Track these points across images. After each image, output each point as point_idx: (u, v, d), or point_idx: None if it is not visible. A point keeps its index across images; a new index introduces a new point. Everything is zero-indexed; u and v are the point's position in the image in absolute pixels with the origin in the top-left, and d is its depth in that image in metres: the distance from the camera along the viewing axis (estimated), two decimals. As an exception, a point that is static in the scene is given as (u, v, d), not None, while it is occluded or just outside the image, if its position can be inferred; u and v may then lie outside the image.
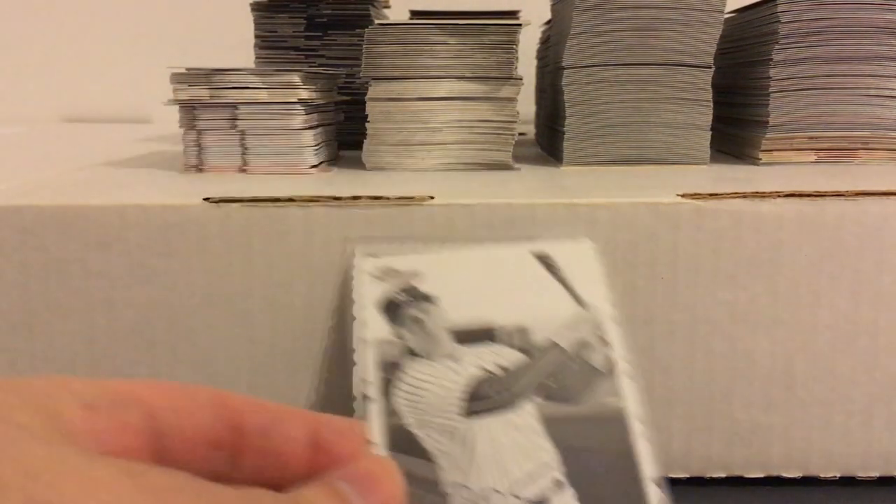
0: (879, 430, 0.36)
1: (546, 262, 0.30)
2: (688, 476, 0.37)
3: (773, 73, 0.46)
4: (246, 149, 0.45)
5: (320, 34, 0.55)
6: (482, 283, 0.29)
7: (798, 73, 0.46)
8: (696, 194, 0.35)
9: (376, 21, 0.47)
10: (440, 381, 0.27)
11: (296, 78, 0.44)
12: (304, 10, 0.55)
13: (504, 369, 0.27)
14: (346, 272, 0.35)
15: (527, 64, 0.56)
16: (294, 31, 0.55)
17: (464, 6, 0.46)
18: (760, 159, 0.47)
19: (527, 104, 0.61)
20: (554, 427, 0.26)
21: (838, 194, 0.35)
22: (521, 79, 0.46)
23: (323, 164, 0.47)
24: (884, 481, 0.37)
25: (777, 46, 0.46)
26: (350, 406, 0.28)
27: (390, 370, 0.27)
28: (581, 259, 0.30)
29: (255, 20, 0.55)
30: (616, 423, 0.26)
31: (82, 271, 0.35)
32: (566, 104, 0.46)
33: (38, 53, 1.06)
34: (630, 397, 0.26)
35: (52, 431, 0.18)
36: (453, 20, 0.45)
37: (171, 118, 0.47)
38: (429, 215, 0.35)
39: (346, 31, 0.55)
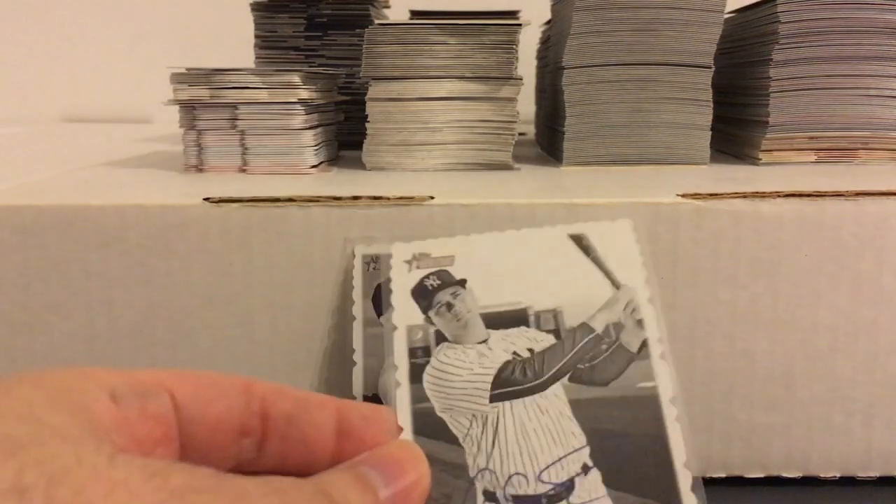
0: (879, 430, 0.36)
1: (582, 243, 0.29)
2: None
3: (773, 73, 0.46)
4: (246, 149, 0.45)
5: (320, 34, 0.55)
6: (516, 266, 0.29)
7: (798, 73, 0.46)
8: (696, 194, 0.35)
9: (376, 21, 0.47)
10: (469, 365, 0.27)
11: (296, 78, 0.44)
12: (304, 10, 0.55)
13: (534, 353, 0.27)
14: (347, 272, 0.35)
15: (527, 64, 0.56)
16: (294, 31, 0.55)
17: (464, 6, 0.46)
18: (760, 159, 0.47)
19: (527, 104, 0.61)
20: (584, 410, 0.26)
21: (838, 194, 0.35)
22: (521, 79, 0.46)
23: (323, 164, 0.47)
24: (884, 481, 0.37)
25: (777, 46, 0.46)
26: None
27: (419, 355, 0.27)
28: (618, 239, 0.29)
29: (255, 20, 0.55)
30: (648, 405, 0.25)
31: (82, 271, 0.35)
32: (566, 104, 0.46)
33: (38, 53, 1.06)
34: (663, 379, 0.26)
35: (79, 429, 0.18)
36: (453, 20, 0.45)
37: (171, 118, 0.47)
38: (429, 215, 0.35)
39: (346, 31, 0.55)
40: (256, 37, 0.56)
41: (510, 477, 0.24)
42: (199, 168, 0.45)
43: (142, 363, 0.36)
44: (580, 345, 0.27)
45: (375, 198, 0.35)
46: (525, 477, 0.24)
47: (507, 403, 0.26)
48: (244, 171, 0.45)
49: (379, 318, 0.32)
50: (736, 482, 0.37)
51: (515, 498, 0.24)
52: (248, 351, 0.36)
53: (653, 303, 0.28)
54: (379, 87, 0.46)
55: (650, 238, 0.35)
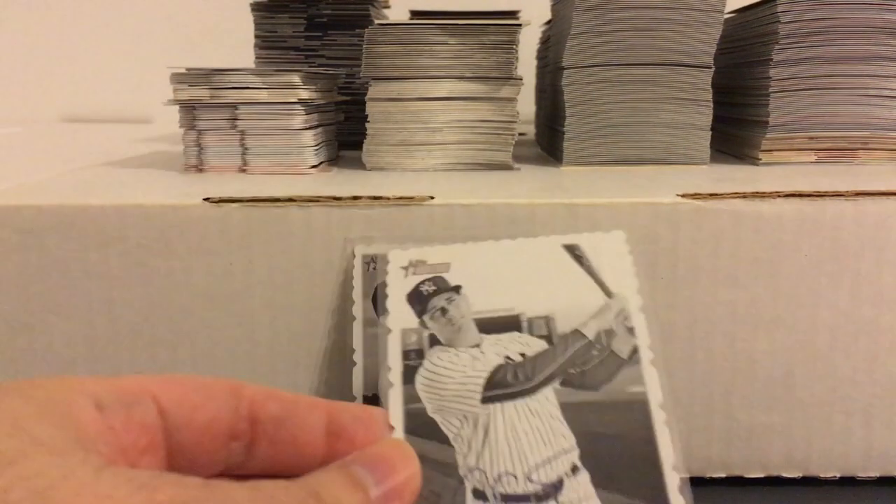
0: (879, 430, 0.36)
1: (575, 252, 0.30)
2: (688, 476, 0.36)
3: (773, 73, 0.46)
4: (246, 149, 0.45)
5: (320, 34, 0.55)
6: (510, 273, 0.30)
7: (798, 73, 0.46)
8: (696, 194, 0.35)
9: (376, 21, 0.47)
10: (461, 368, 0.27)
11: (296, 78, 0.44)
12: (304, 10, 0.55)
13: (526, 357, 0.27)
14: (347, 272, 0.35)
15: (527, 64, 0.56)
16: (294, 31, 0.55)
17: (464, 6, 0.46)
18: (760, 159, 0.47)
19: (527, 104, 0.61)
20: (574, 413, 0.26)
21: (838, 194, 0.35)
22: (521, 79, 0.46)
23: (323, 164, 0.47)
24: (884, 481, 0.37)
25: (777, 46, 0.46)
26: (350, 406, 0.28)
27: (413, 357, 0.27)
28: (611, 249, 0.30)
29: (255, 20, 0.55)
30: (637, 409, 0.26)
31: (82, 271, 0.35)
32: (566, 104, 0.46)
33: (38, 53, 1.06)
34: (653, 385, 0.26)
35: (65, 440, 0.18)
36: (453, 20, 0.45)
37: (171, 118, 0.47)
38: (429, 215, 0.35)
39: (346, 31, 0.55)
40: (256, 37, 0.56)
41: (500, 476, 0.25)
42: (199, 168, 0.45)
43: (142, 363, 0.36)
44: (572, 350, 0.27)
45: (375, 198, 0.35)
46: (514, 476, 0.25)
47: (497, 405, 0.26)
48: (244, 171, 0.45)
49: (379, 318, 0.32)
50: (736, 482, 0.37)
51: (505, 497, 0.24)
52: (248, 351, 0.36)
53: (644, 311, 0.28)
54: (379, 87, 0.46)
55: (650, 238, 0.35)
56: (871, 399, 0.36)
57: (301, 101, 0.44)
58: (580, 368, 0.27)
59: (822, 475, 0.37)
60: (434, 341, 0.28)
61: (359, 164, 0.47)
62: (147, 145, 0.65)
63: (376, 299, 0.33)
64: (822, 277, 0.35)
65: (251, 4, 0.55)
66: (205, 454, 0.22)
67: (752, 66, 0.50)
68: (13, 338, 0.36)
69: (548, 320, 0.28)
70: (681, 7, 0.45)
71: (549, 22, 0.60)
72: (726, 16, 0.46)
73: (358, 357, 0.31)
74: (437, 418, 0.26)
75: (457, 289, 0.29)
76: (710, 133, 0.47)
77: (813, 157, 0.47)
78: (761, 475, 0.37)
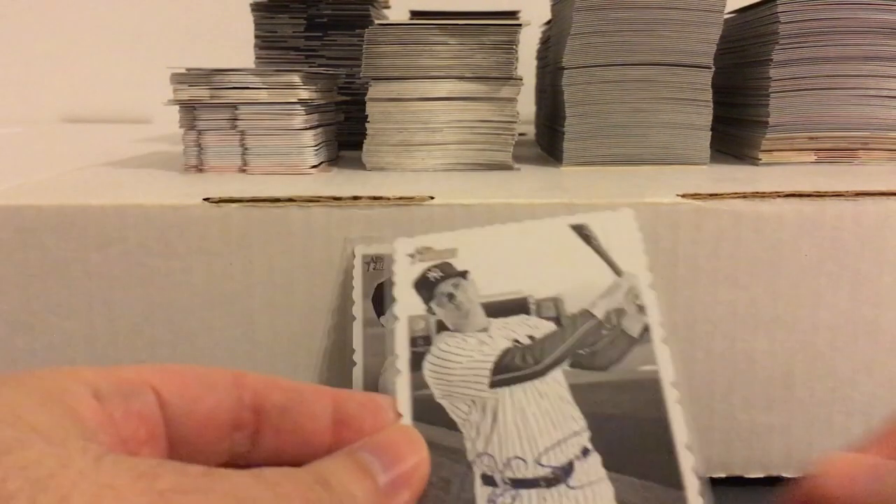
0: (879, 430, 0.36)
1: (583, 232, 0.29)
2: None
3: (773, 73, 0.46)
4: (246, 149, 0.45)
5: (320, 34, 0.55)
6: (517, 256, 0.29)
7: (798, 73, 0.46)
8: (696, 194, 0.35)
9: (376, 21, 0.47)
10: (469, 353, 0.27)
11: (296, 78, 0.44)
12: (304, 10, 0.55)
13: (535, 339, 0.27)
14: (347, 272, 0.35)
15: (527, 64, 0.56)
16: (294, 32, 0.55)
17: (464, 6, 0.46)
18: (760, 159, 0.47)
19: (527, 104, 0.61)
20: (584, 395, 0.25)
21: (838, 194, 0.35)
22: (521, 79, 0.46)
23: (323, 165, 0.47)
24: (884, 481, 0.37)
25: (777, 47, 0.46)
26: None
27: (420, 344, 0.27)
28: (620, 227, 0.29)
29: (255, 20, 0.55)
30: (649, 388, 0.25)
31: (82, 271, 0.35)
32: (566, 104, 0.46)
33: (38, 53, 1.06)
34: (665, 363, 0.26)
35: (64, 430, 0.17)
36: (453, 20, 0.45)
37: (171, 118, 0.47)
38: (429, 215, 0.35)
39: (346, 32, 0.55)
40: (256, 37, 0.56)
41: (509, 461, 0.24)
42: (199, 168, 0.45)
43: (142, 363, 0.36)
44: (581, 331, 0.27)
45: (375, 198, 0.35)
46: (524, 460, 0.24)
47: (506, 389, 0.26)
48: (244, 171, 0.45)
49: (379, 318, 0.32)
50: (736, 482, 0.37)
51: (514, 481, 0.24)
52: (248, 351, 0.36)
53: (654, 288, 0.28)
54: (379, 87, 0.46)
55: (650, 238, 0.35)
56: (871, 399, 0.36)
57: (301, 101, 0.44)
58: (590, 349, 0.26)
59: (822, 475, 0.37)
60: (441, 327, 0.28)
61: (359, 164, 0.47)
62: (147, 145, 0.65)
63: (376, 299, 0.33)
64: (822, 277, 0.35)
65: (251, 4, 0.55)
66: (208, 445, 0.22)
67: (752, 66, 0.50)
68: (13, 338, 0.36)
69: (556, 302, 0.28)
70: (681, 7, 0.45)
71: (549, 22, 0.60)
72: (726, 16, 0.46)
73: (358, 357, 0.31)
74: (445, 404, 0.26)
75: (464, 274, 0.29)
76: (709, 133, 0.47)
77: (813, 158, 0.47)
78: (761, 475, 0.37)
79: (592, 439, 0.25)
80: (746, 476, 0.37)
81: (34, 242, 0.35)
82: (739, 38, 0.52)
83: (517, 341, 0.27)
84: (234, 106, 0.44)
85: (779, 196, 0.35)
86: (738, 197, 0.35)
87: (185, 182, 0.42)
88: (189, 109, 0.44)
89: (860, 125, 0.47)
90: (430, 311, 0.28)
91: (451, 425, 0.25)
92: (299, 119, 0.44)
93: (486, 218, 0.35)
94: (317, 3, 0.55)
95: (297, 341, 0.36)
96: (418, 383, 0.26)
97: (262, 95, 0.44)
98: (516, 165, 0.47)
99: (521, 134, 0.49)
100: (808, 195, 0.35)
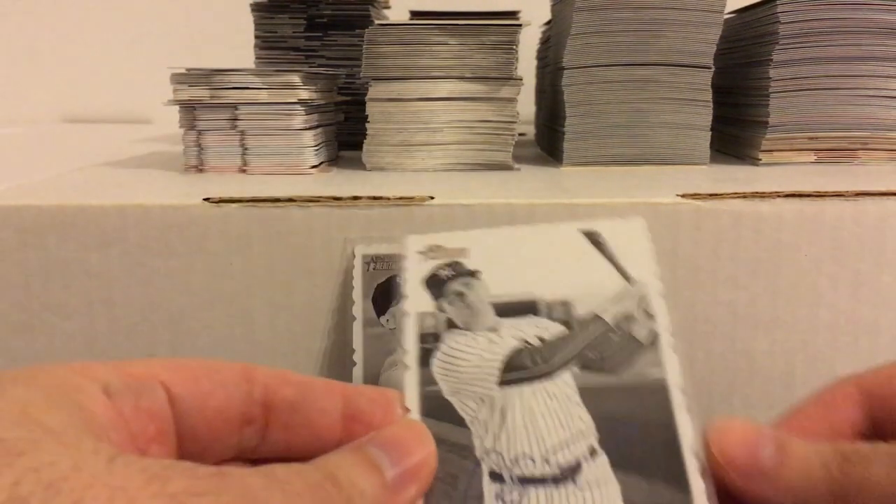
0: (879, 430, 0.36)
1: (594, 238, 0.30)
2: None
3: (773, 73, 0.46)
4: (246, 149, 0.45)
5: (320, 34, 0.55)
6: (528, 258, 0.29)
7: (798, 73, 0.46)
8: (696, 194, 0.35)
9: (376, 21, 0.47)
10: (478, 351, 0.27)
11: (296, 78, 0.44)
12: (304, 10, 0.55)
13: (544, 341, 0.27)
14: (347, 272, 0.35)
15: (527, 64, 0.56)
16: (294, 32, 0.55)
17: (464, 6, 0.46)
18: (760, 159, 0.47)
19: (527, 104, 0.61)
20: (592, 397, 0.26)
21: (838, 194, 0.35)
22: (521, 79, 0.46)
23: (323, 165, 0.47)
24: (884, 481, 0.37)
25: (777, 47, 0.46)
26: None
27: (430, 341, 0.27)
28: (631, 236, 0.29)
29: (255, 20, 0.55)
30: (657, 393, 0.25)
31: (82, 271, 0.35)
32: (566, 104, 0.46)
33: (38, 53, 1.06)
34: (672, 368, 0.26)
35: (76, 428, 0.17)
36: (453, 20, 0.45)
37: (171, 118, 0.47)
38: (429, 215, 0.35)
39: (346, 32, 0.55)
40: (256, 37, 0.56)
41: (517, 458, 0.24)
42: (199, 168, 0.45)
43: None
44: (591, 335, 0.27)
45: (375, 198, 0.35)
46: (532, 458, 0.24)
47: (515, 388, 0.26)
48: (244, 171, 0.45)
49: (379, 318, 0.32)
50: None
51: (522, 479, 0.24)
52: (248, 351, 0.36)
53: (664, 296, 0.28)
54: (379, 88, 0.46)
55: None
56: (871, 399, 0.36)
57: (301, 102, 0.44)
58: (599, 352, 0.27)
59: (821, 475, 0.37)
60: (451, 325, 0.28)
61: (359, 164, 0.47)
62: (147, 145, 0.65)
63: (376, 299, 0.33)
64: (822, 277, 0.35)
65: (251, 4, 0.55)
66: (217, 440, 0.22)
67: (752, 66, 0.50)
68: (13, 338, 0.36)
69: (566, 305, 0.28)
70: (680, 7, 0.45)
71: (549, 22, 0.60)
72: (726, 16, 0.46)
73: (358, 357, 0.31)
74: (454, 401, 0.26)
75: (474, 273, 0.29)
76: (709, 133, 0.47)
77: (813, 158, 0.47)
78: (761, 475, 0.37)
79: (600, 440, 0.25)
80: (746, 476, 0.37)
81: (34, 242, 0.35)
82: (739, 38, 0.52)
83: (527, 342, 0.27)
84: (234, 106, 0.44)
85: (779, 196, 0.35)
86: (738, 197, 0.35)
87: (185, 182, 0.42)
88: (189, 109, 0.44)
89: (860, 125, 0.47)
90: (439, 308, 0.28)
91: (460, 422, 0.25)
92: (299, 119, 0.44)
93: (486, 218, 0.35)
94: (317, 3, 0.55)
95: (297, 341, 0.36)
96: (427, 379, 0.26)
97: (262, 95, 0.44)
98: (516, 165, 0.47)
99: (521, 134, 0.49)
100: (808, 195, 0.35)
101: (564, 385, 0.26)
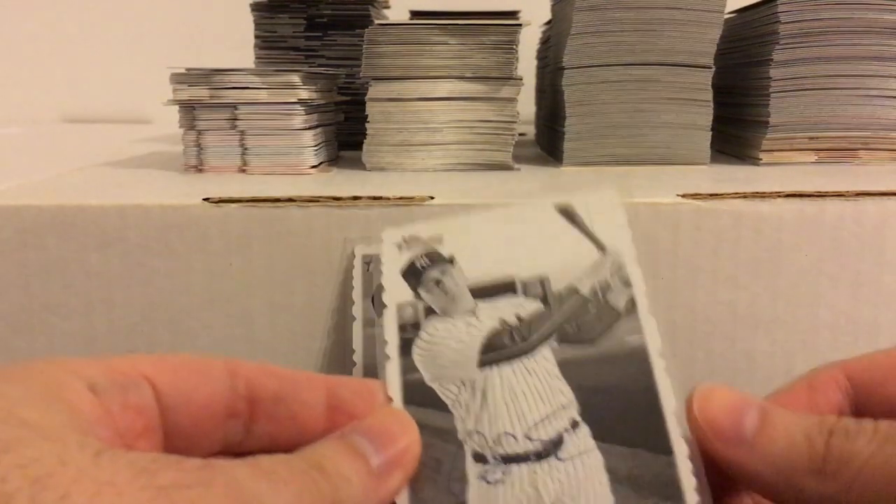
0: (880, 430, 0.36)
1: (568, 213, 0.30)
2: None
3: (773, 73, 0.46)
4: (246, 149, 0.45)
5: (320, 34, 0.55)
6: (503, 239, 0.30)
7: (798, 73, 0.46)
8: (696, 194, 0.35)
9: (376, 21, 0.47)
10: (457, 335, 0.27)
11: (296, 78, 0.44)
12: (304, 10, 0.55)
13: (521, 319, 0.27)
14: (347, 272, 0.35)
15: (527, 64, 0.56)
16: (294, 31, 0.55)
17: (464, 6, 0.46)
18: (761, 159, 0.47)
19: (527, 104, 0.61)
20: (572, 369, 0.26)
21: (839, 194, 0.35)
22: (521, 79, 0.46)
23: (323, 165, 0.47)
24: (884, 481, 0.37)
25: (777, 47, 0.46)
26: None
27: (409, 330, 0.27)
28: (604, 207, 0.30)
29: (255, 20, 0.55)
30: (636, 359, 0.26)
31: (82, 271, 0.35)
32: (566, 104, 0.46)
33: (38, 53, 1.06)
34: (651, 333, 0.26)
35: (61, 425, 0.17)
36: (453, 20, 0.45)
37: (171, 118, 0.47)
38: (428, 215, 0.35)
39: (346, 31, 0.55)
40: (256, 37, 0.56)
41: (499, 437, 0.25)
42: (198, 168, 0.45)
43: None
44: (567, 308, 0.27)
45: (375, 198, 0.35)
46: (513, 436, 0.25)
47: (495, 368, 0.26)
48: (244, 171, 0.45)
49: (378, 318, 0.32)
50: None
51: (504, 457, 0.24)
52: (248, 351, 0.36)
53: (638, 261, 0.28)
54: (379, 87, 0.46)
55: (650, 238, 0.35)
56: (872, 399, 0.36)
57: (301, 101, 0.44)
58: (576, 324, 0.27)
59: (822, 475, 0.37)
60: (430, 312, 0.28)
61: (359, 164, 0.47)
62: (147, 145, 0.65)
63: (376, 299, 0.33)
64: (823, 278, 0.35)
65: (251, 4, 0.55)
66: (202, 434, 0.22)
67: (752, 66, 0.50)
68: (13, 338, 0.36)
69: (542, 281, 0.28)
70: (681, 7, 0.45)
71: (549, 22, 0.60)
72: (726, 16, 0.46)
73: (358, 357, 0.31)
74: (435, 386, 0.26)
75: (451, 260, 0.29)
76: (710, 133, 0.47)
77: (813, 158, 0.47)
78: (761, 475, 0.37)
79: (581, 412, 0.25)
80: (747, 476, 0.37)
81: (34, 242, 0.35)
82: (740, 38, 0.52)
83: (505, 321, 0.27)
84: (233, 106, 0.44)
85: (779, 196, 0.35)
86: (739, 197, 0.35)
87: (184, 182, 0.42)
88: (189, 109, 0.44)
89: (861, 125, 0.47)
90: (418, 297, 0.28)
91: (442, 406, 0.25)
92: (299, 119, 0.44)
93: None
94: (317, 3, 0.55)
95: (297, 341, 0.36)
96: (408, 367, 0.26)
97: (262, 95, 0.44)
98: (516, 165, 0.47)
99: (521, 134, 0.49)
100: (809, 195, 0.35)
101: (544, 360, 0.26)
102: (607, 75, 0.46)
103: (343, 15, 0.55)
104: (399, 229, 0.31)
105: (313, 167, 0.45)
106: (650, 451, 0.24)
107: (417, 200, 0.35)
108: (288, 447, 0.21)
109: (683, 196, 0.35)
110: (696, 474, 0.23)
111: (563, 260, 0.28)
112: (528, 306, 0.28)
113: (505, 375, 0.26)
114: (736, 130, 0.52)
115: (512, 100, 0.46)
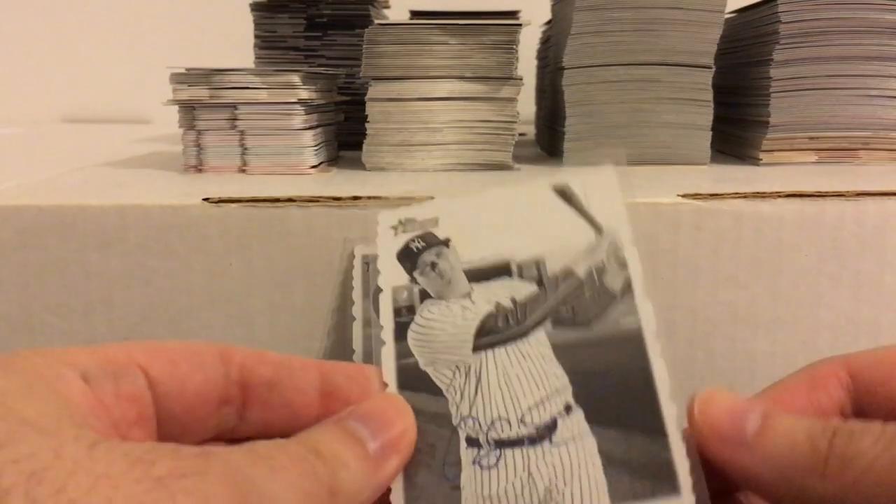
0: (880, 430, 0.36)
1: (564, 193, 0.29)
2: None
3: (773, 73, 0.46)
4: (246, 149, 0.45)
5: (320, 34, 0.55)
6: (500, 221, 0.29)
7: (799, 73, 0.46)
8: (696, 194, 0.35)
9: (376, 21, 0.47)
10: (452, 319, 0.27)
11: (295, 78, 0.44)
12: (304, 10, 0.55)
13: (516, 302, 0.27)
14: (346, 272, 0.35)
15: (527, 64, 0.56)
16: (294, 31, 0.55)
17: (464, 6, 0.46)
18: (761, 159, 0.47)
19: (527, 104, 0.61)
20: (566, 353, 0.26)
21: (839, 194, 0.35)
22: (521, 79, 0.46)
23: (323, 165, 0.47)
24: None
25: (777, 46, 0.46)
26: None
27: (405, 314, 0.27)
28: (601, 185, 0.29)
29: (254, 20, 0.55)
30: (631, 342, 0.25)
31: (82, 271, 0.35)
32: (566, 104, 0.46)
33: (38, 53, 1.06)
34: (646, 315, 0.26)
35: (55, 417, 0.17)
36: (453, 20, 0.45)
37: (170, 118, 0.47)
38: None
39: (346, 31, 0.55)
40: (256, 37, 0.56)
41: (493, 422, 0.24)
42: (198, 168, 0.45)
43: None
44: (562, 290, 0.27)
45: (375, 198, 0.35)
46: (507, 421, 0.24)
47: (489, 352, 0.26)
48: (244, 171, 0.45)
49: (376, 318, 0.32)
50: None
51: (498, 442, 0.24)
52: (248, 351, 0.36)
53: (635, 242, 0.27)
54: (379, 87, 0.46)
55: (650, 238, 0.35)
56: (872, 399, 0.36)
57: (301, 101, 0.44)
58: (572, 307, 0.27)
59: (822, 476, 0.37)
60: (425, 296, 0.28)
61: (359, 164, 0.47)
62: (146, 145, 0.65)
63: (376, 299, 0.33)
64: (823, 278, 0.35)
65: (251, 4, 0.55)
66: (196, 421, 0.22)
67: (752, 66, 0.50)
68: (13, 338, 0.36)
69: (538, 263, 0.28)
70: (681, 7, 0.45)
71: (549, 22, 0.60)
72: (726, 16, 0.46)
73: (358, 357, 0.31)
74: (430, 370, 0.26)
75: (446, 242, 0.29)
76: (710, 133, 0.47)
77: (814, 158, 0.47)
78: (762, 476, 0.37)
79: (576, 395, 0.25)
80: (747, 476, 0.37)
81: (34, 242, 0.35)
82: (740, 37, 0.52)
83: (500, 304, 0.27)
84: (233, 106, 0.44)
85: (779, 196, 0.35)
86: (739, 197, 0.35)
87: (184, 182, 0.42)
88: (188, 109, 0.44)
89: (861, 125, 0.47)
90: (413, 280, 0.28)
91: (436, 391, 0.25)
92: (299, 119, 0.44)
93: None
94: (317, 2, 0.55)
95: (297, 341, 0.36)
96: (403, 352, 0.26)
97: (262, 95, 0.44)
98: (516, 165, 0.47)
99: (521, 134, 0.49)
100: (809, 195, 0.35)
101: (538, 344, 0.26)
102: (607, 75, 0.46)
103: (343, 15, 0.55)
104: (394, 212, 0.31)
105: (313, 167, 0.45)
106: (644, 434, 0.24)
107: (417, 200, 0.35)
108: (282, 433, 0.21)
109: (684, 196, 0.35)
110: (690, 456, 0.23)
111: (559, 241, 0.28)
112: (523, 289, 0.27)
113: (499, 359, 0.26)
114: (736, 130, 0.52)
115: (512, 100, 0.46)
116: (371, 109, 0.46)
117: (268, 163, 0.45)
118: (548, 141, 0.57)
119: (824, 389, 0.24)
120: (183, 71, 0.44)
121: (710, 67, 0.46)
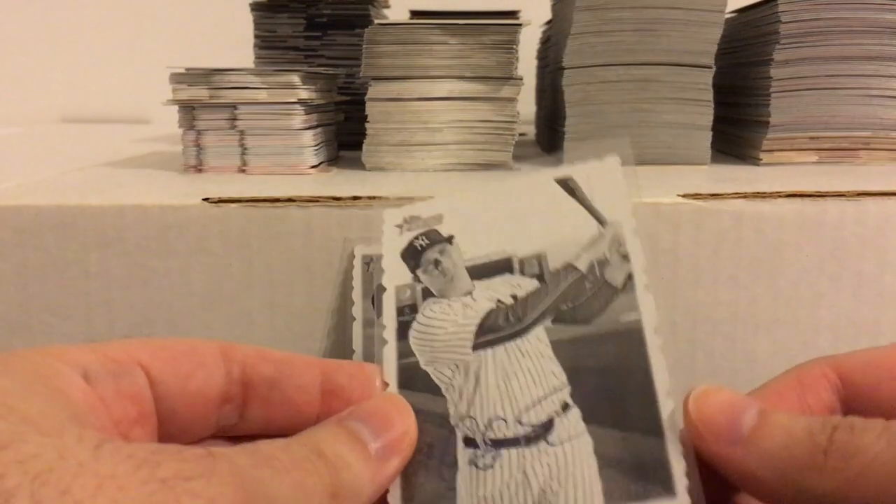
0: (880, 430, 0.36)
1: (567, 185, 0.29)
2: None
3: (773, 73, 0.46)
4: (245, 149, 0.45)
5: (320, 34, 0.55)
6: (502, 216, 0.29)
7: (799, 73, 0.46)
8: (696, 194, 0.35)
9: (376, 21, 0.47)
10: (453, 317, 0.27)
11: (295, 78, 0.44)
12: (304, 10, 0.55)
13: (517, 298, 0.27)
14: (346, 272, 0.35)
15: (527, 64, 0.56)
16: (294, 31, 0.55)
17: (464, 6, 0.46)
18: (761, 159, 0.47)
19: (527, 104, 0.60)
20: (565, 350, 0.25)
21: (840, 195, 0.35)
22: (521, 79, 0.46)
23: (323, 165, 0.47)
24: (885, 482, 0.37)
25: (778, 46, 0.46)
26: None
27: (407, 313, 0.27)
28: (604, 176, 0.29)
29: (254, 20, 0.55)
30: (631, 338, 0.25)
31: (82, 271, 0.35)
32: (566, 104, 0.46)
33: (38, 53, 1.06)
34: (648, 310, 0.25)
35: (57, 417, 0.17)
36: (453, 20, 0.45)
37: (170, 118, 0.47)
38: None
39: (346, 31, 0.55)
40: (256, 37, 0.56)
41: (490, 421, 0.24)
42: (198, 168, 0.45)
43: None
44: (563, 286, 0.27)
45: (375, 198, 0.35)
46: (504, 420, 0.24)
47: (489, 350, 0.26)
48: (244, 171, 0.45)
49: (378, 318, 0.32)
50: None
51: (494, 442, 0.24)
52: (248, 351, 0.36)
53: (637, 234, 0.27)
54: (379, 87, 0.46)
55: (651, 238, 0.35)
56: (873, 400, 0.36)
57: (301, 101, 0.44)
58: (572, 303, 0.26)
59: (823, 476, 0.37)
60: (427, 294, 0.28)
61: (359, 164, 0.47)
62: (146, 145, 0.65)
63: (378, 298, 0.33)
64: (824, 278, 0.35)
65: (251, 4, 0.55)
66: (197, 419, 0.22)
67: (752, 66, 0.49)
68: (13, 338, 0.36)
69: (540, 258, 0.27)
70: (681, 7, 0.45)
71: (549, 22, 0.60)
72: (727, 16, 0.46)
73: (358, 357, 0.31)
74: (430, 370, 0.26)
75: (449, 239, 0.29)
76: (710, 133, 0.47)
77: (814, 158, 0.47)
78: (762, 476, 0.37)
79: (573, 394, 0.25)
80: (747, 477, 0.37)
81: (34, 242, 0.35)
82: (740, 37, 0.52)
83: (500, 301, 0.27)
84: (233, 106, 0.44)
85: (780, 196, 0.35)
86: (739, 197, 0.35)
87: (184, 182, 0.42)
88: (188, 109, 0.44)
89: (862, 125, 0.47)
90: (416, 279, 0.28)
91: (436, 391, 0.25)
92: (299, 119, 0.44)
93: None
94: (317, 2, 0.55)
95: (296, 341, 0.36)
96: (405, 351, 0.26)
97: (262, 95, 0.44)
98: (516, 165, 0.47)
99: (521, 134, 0.49)
100: (810, 195, 0.35)
101: (537, 341, 0.26)
102: (607, 75, 0.46)
103: (343, 15, 0.55)
104: (400, 210, 0.31)
105: (313, 167, 0.45)
106: (641, 434, 0.23)
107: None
108: (282, 431, 0.21)
109: (684, 196, 0.35)
110: (687, 458, 0.23)
111: (561, 235, 0.28)
112: (524, 285, 0.27)
113: (498, 357, 0.26)
114: (736, 130, 0.52)
115: (512, 100, 0.46)
116: (371, 109, 0.46)
117: (268, 163, 0.44)
118: (548, 141, 0.57)
119: (814, 392, 0.24)
120: (182, 71, 0.44)
121: (710, 67, 0.46)
